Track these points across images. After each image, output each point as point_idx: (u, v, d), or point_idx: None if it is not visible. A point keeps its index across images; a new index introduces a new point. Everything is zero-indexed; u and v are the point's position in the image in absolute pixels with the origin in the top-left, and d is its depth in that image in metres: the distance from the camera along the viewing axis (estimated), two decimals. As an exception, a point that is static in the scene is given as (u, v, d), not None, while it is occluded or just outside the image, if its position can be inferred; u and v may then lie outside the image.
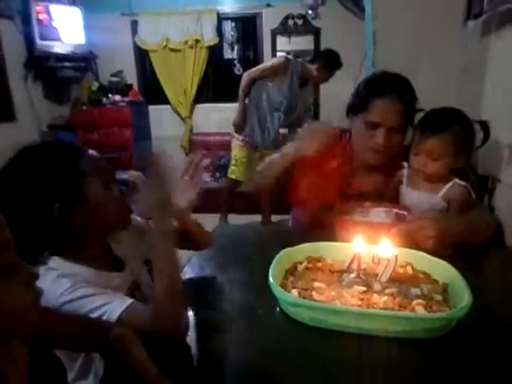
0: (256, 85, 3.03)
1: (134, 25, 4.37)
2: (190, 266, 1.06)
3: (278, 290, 0.78)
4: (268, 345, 0.76)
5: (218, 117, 4.36)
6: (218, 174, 4.06)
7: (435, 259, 0.92)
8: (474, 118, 1.16)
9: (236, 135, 3.19)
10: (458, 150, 1.13)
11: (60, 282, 0.71)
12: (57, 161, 0.76)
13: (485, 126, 1.16)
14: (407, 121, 1.20)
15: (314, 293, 0.83)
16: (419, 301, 0.78)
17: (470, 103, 1.43)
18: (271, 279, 0.81)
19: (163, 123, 4.56)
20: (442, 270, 0.89)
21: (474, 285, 0.78)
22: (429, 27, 1.65)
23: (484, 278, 1.02)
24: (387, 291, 0.83)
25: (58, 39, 3.96)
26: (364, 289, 0.83)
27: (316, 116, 4.30)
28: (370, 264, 0.90)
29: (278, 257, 0.92)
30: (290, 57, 3.05)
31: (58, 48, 3.96)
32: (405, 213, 1.14)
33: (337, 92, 2.94)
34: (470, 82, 1.51)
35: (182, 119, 4.54)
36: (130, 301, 0.72)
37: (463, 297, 0.75)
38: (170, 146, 4.59)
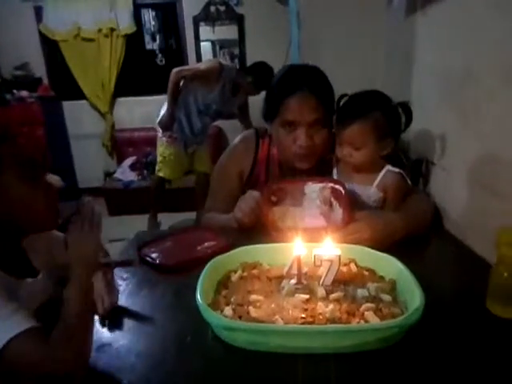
0: (184, 83, 2.86)
1: (39, 11, 3.91)
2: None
3: (207, 312, 0.65)
4: (201, 376, 0.62)
5: (141, 111, 4.06)
6: (145, 171, 3.80)
7: (379, 253, 0.85)
8: (397, 101, 1.10)
9: (161, 133, 2.99)
10: (380, 136, 1.06)
11: None
12: None
13: (406, 108, 1.09)
14: (327, 113, 1.11)
15: (250, 308, 0.71)
16: (368, 305, 0.70)
17: (399, 85, 1.39)
18: (199, 298, 0.68)
19: (81, 120, 4.17)
20: (387, 264, 0.82)
21: (419, 275, 0.72)
22: (355, 4, 1.60)
23: (427, 265, 0.97)
24: (332, 297, 0.73)
25: None
26: (307, 297, 0.73)
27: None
28: (311, 267, 0.80)
29: (207, 267, 0.79)
30: (224, 62, 2.90)
31: None
32: (340, 188, 1.06)
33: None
34: (398, 64, 1.48)
35: (102, 115, 4.18)
36: (28, 325, 0.59)
37: (414, 295, 0.68)
38: (91, 145, 4.23)
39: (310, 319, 0.67)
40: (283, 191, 1.09)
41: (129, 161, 3.98)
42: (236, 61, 4.17)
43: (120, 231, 2.02)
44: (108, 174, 4.07)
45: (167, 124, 2.91)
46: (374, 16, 1.59)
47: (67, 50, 4.01)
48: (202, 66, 2.88)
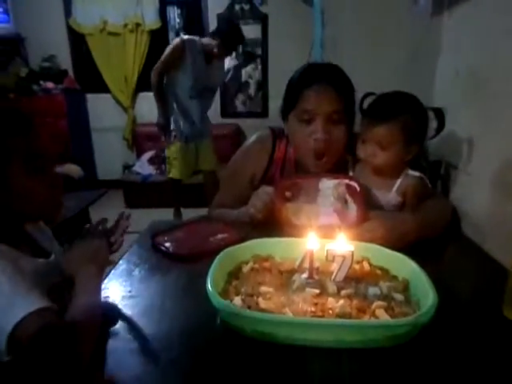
0: (166, 79, 2.85)
1: (68, 5, 4.00)
2: (117, 271, 0.90)
3: (215, 299, 0.65)
4: (206, 364, 0.62)
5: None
6: (163, 166, 3.84)
7: (393, 252, 0.83)
8: (428, 105, 1.08)
9: (162, 137, 2.99)
10: (408, 140, 1.04)
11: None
12: None
13: (440, 113, 1.07)
14: (346, 110, 1.09)
15: (260, 299, 0.70)
16: (379, 303, 0.69)
17: (421, 87, 1.37)
18: (209, 285, 0.68)
19: (103, 113, 4.25)
20: (400, 264, 0.81)
21: (434, 277, 0.70)
22: (379, 4, 1.58)
23: (443, 269, 0.95)
24: (343, 293, 0.73)
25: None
26: (317, 291, 0.72)
27: (266, 112, 4.22)
28: (323, 262, 0.79)
29: (218, 257, 0.79)
30: (184, 36, 2.83)
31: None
32: (355, 185, 1.04)
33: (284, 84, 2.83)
34: (422, 64, 1.45)
35: (124, 109, 4.25)
36: (42, 305, 0.59)
37: (427, 295, 0.66)
38: (112, 138, 4.30)
39: (320, 313, 0.67)
40: (297, 187, 1.08)
41: (147, 155, 4.03)
42: (258, 61, 4.19)
43: (137, 224, 2.04)
44: (127, 167, 4.13)
45: (163, 124, 2.91)
46: (399, 16, 1.57)
47: (93, 44, 4.10)
48: (166, 52, 2.80)
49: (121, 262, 0.93)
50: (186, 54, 2.73)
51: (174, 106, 2.88)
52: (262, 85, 4.23)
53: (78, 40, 4.15)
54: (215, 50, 2.78)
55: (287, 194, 1.07)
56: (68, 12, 4.02)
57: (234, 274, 0.81)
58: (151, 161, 3.94)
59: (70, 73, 4.14)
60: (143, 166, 3.91)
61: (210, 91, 2.97)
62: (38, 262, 0.74)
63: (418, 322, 0.61)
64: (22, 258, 0.70)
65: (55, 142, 3.67)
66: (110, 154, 4.33)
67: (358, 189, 1.03)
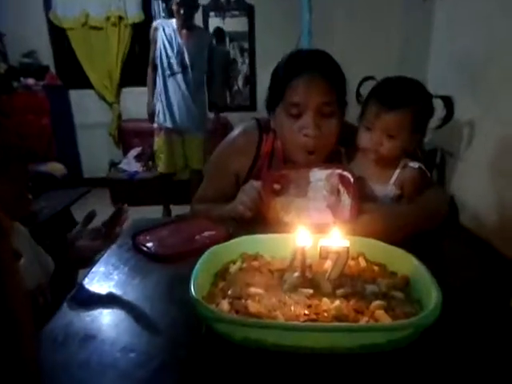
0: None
1: (48, -2, 3.88)
2: (94, 274, 0.83)
3: (199, 304, 0.59)
4: (192, 374, 0.56)
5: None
6: (150, 162, 3.75)
7: (391, 247, 0.78)
8: (437, 93, 1.03)
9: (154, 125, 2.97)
10: (415, 129, 0.99)
11: None
12: None
13: (449, 102, 1.00)
14: (338, 101, 1.02)
15: (249, 302, 0.64)
16: (378, 302, 0.63)
17: (415, 73, 1.32)
18: (192, 289, 0.62)
19: (87, 109, 4.14)
20: (399, 259, 0.75)
21: (435, 272, 0.65)
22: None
23: (443, 262, 0.90)
24: (339, 292, 0.67)
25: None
26: (311, 291, 0.67)
27: (254, 106, 4.14)
28: (316, 259, 0.73)
29: (203, 257, 0.72)
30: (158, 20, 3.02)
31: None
32: (349, 175, 0.98)
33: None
34: (415, 50, 1.40)
35: (109, 105, 4.14)
36: None
37: (429, 293, 0.61)
38: (97, 135, 4.19)
39: (314, 316, 0.61)
40: (286, 179, 1.02)
41: (134, 151, 3.93)
42: (245, 54, 4.12)
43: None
44: (113, 164, 4.03)
45: (151, 114, 2.94)
46: (391, 0, 1.51)
47: (75, 39, 3.98)
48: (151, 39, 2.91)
49: (98, 264, 0.87)
50: (158, 33, 2.82)
51: (156, 88, 2.88)
52: (250, 78, 4.17)
53: (58, 34, 4.02)
54: (181, 20, 2.79)
55: (276, 186, 1.01)
56: (48, 5, 3.89)
57: (221, 275, 0.75)
58: (138, 157, 3.84)
59: (52, 69, 4.01)
60: (130, 163, 3.82)
61: (189, 69, 2.86)
62: None
63: (423, 323, 0.55)
64: None
65: (37, 140, 3.56)
66: (96, 152, 4.22)
67: (352, 179, 0.98)
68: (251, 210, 0.99)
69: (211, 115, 3.18)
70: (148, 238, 0.96)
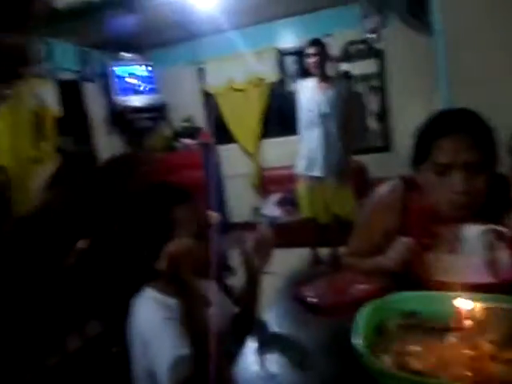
0: None
1: (201, 72, 4.60)
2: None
3: (369, 358, 0.68)
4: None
5: (285, 150, 4.33)
6: (290, 207, 3.99)
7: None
8: None
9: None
10: None
11: (152, 308, 0.85)
12: (154, 210, 0.89)
13: None
14: (487, 157, 1.02)
15: (410, 359, 0.71)
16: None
17: None
18: (358, 342, 0.71)
19: (233, 162, 4.66)
20: None
21: None
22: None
23: None
24: (503, 356, 0.68)
25: (134, 94, 4.31)
26: (472, 353, 0.70)
27: (389, 146, 4.12)
28: (477, 320, 0.76)
29: (363, 312, 0.82)
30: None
31: (135, 102, 4.31)
32: (506, 230, 0.96)
33: (410, 116, 2.75)
34: None
35: (251, 156, 4.61)
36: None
37: None
38: (241, 184, 4.66)
39: (478, 378, 0.64)
40: (437, 235, 1.05)
41: (275, 197, 4.24)
42: (375, 92, 4.16)
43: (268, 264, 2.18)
44: (256, 210, 4.40)
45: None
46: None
47: (222, 101, 4.59)
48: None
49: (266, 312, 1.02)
50: (298, 92, 3.16)
51: (300, 140, 3.20)
52: (381, 117, 4.15)
53: (209, 100, 4.71)
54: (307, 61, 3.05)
55: (426, 242, 1.05)
56: (201, 78, 4.62)
57: (380, 330, 0.82)
58: (278, 203, 4.13)
59: (204, 129, 4.68)
60: (271, 209, 4.12)
61: (328, 119, 3.04)
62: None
63: None
64: (169, 300, 0.84)
65: (194, 192, 4.14)
66: (240, 199, 4.68)
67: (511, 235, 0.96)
68: (402, 266, 1.04)
69: (349, 159, 3.25)
70: (307, 288, 1.09)
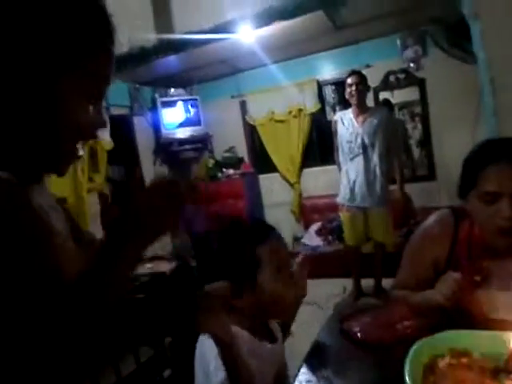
0: None
1: (243, 104, 4.78)
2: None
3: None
4: None
5: (325, 179, 4.36)
6: (330, 237, 3.98)
7: None
8: None
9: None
10: None
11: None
12: (239, 248, 0.89)
13: None
14: None
15: (464, 399, 0.70)
16: None
17: None
18: (408, 380, 0.71)
19: (273, 191, 4.74)
20: None
21: None
22: None
23: None
24: None
25: (180, 126, 4.53)
26: (530, 396, 0.68)
27: (432, 175, 4.03)
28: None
29: (413, 349, 0.81)
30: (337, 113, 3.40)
31: (180, 134, 4.53)
32: None
33: (452, 145, 2.71)
34: None
35: (291, 185, 4.66)
36: None
37: None
38: (281, 213, 4.70)
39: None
40: (488, 270, 1.03)
41: (315, 226, 4.24)
42: (417, 119, 4.13)
43: (309, 294, 2.18)
44: (296, 239, 4.41)
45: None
46: None
47: (263, 132, 4.72)
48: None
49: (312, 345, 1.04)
50: (338, 123, 3.19)
51: (341, 171, 3.19)
52: (424, 145, 4.09)
53: (251, 131, 4.86)
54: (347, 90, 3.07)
55: (476, 278, 1.03)
56: (243, 110, 4.78)
57: (430, 368, 0.81)
58: (318, 232, 4.13)
59: (246, 159, 4.81)
60: (311, 238, 4.12)
61: (369, 149, 3.04)
62: (266, 344, 0.90)
63: None
64: (258, 345, 0.87)
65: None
66: (280, 227, 4.68)
67: None
68: (451, 302, 1.02)
69: (392, 187, 3.20)
70: (353, 323, 1.10)
